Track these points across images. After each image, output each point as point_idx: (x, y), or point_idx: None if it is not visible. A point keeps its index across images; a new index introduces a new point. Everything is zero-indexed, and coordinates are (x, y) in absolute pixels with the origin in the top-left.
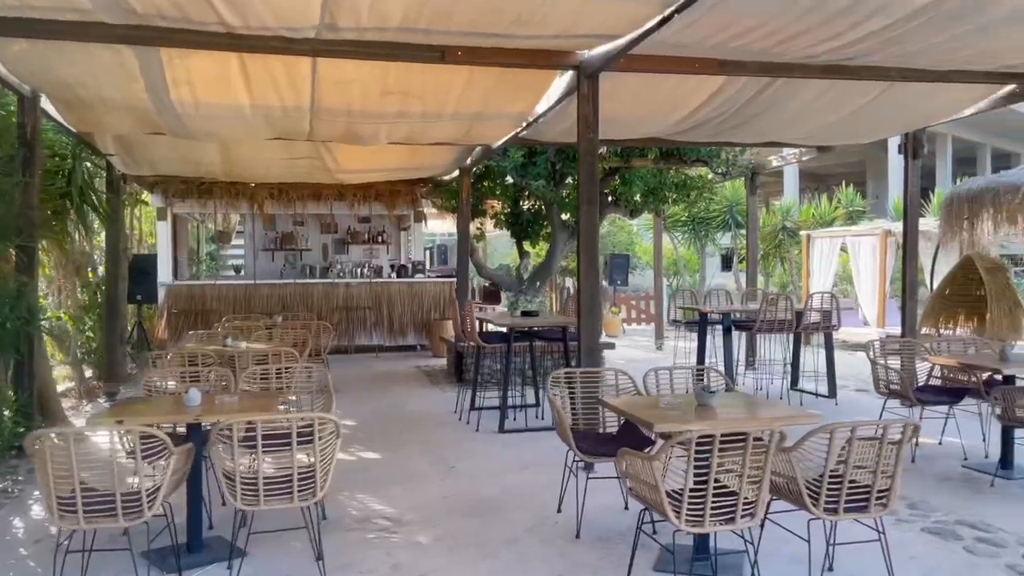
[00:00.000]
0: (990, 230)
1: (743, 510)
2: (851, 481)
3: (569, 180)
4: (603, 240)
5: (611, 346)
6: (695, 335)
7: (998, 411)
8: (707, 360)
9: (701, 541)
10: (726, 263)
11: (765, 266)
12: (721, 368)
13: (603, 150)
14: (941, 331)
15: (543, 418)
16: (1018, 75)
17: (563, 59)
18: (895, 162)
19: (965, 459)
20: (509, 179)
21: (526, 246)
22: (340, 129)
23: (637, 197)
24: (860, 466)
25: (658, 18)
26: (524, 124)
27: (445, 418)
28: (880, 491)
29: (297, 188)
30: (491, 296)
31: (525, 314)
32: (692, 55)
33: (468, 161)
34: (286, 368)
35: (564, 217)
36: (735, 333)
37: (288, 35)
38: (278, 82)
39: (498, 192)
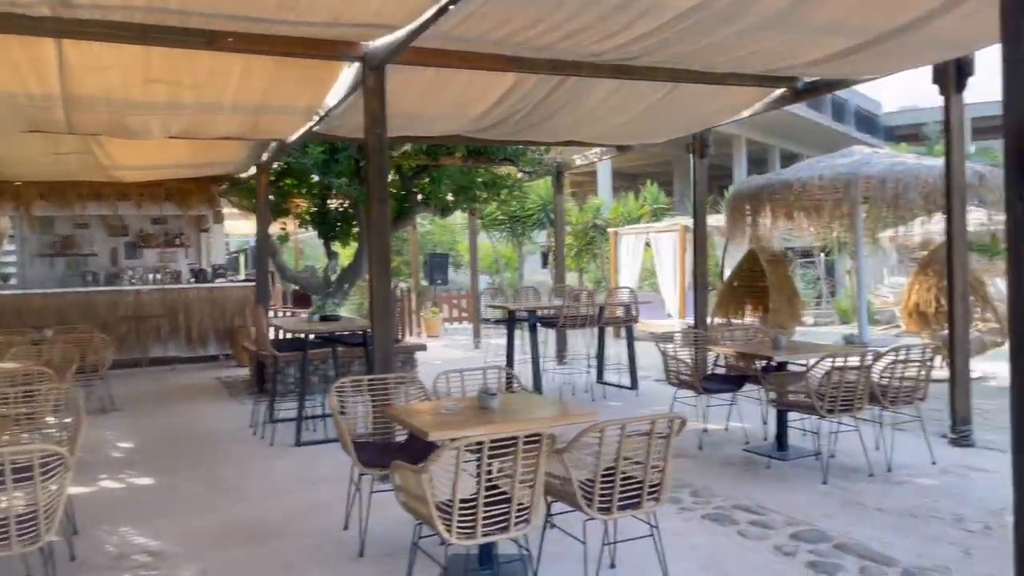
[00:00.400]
0: (769, 225)
1: (518, 516)
2: (625, 478)
3: None
4: (423, 239)
5: (423, 347)
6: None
7: (771, 396)
8: (516, 357)
9: (484, 550)
10: (545, 260)
11: (579, 262)
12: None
13: (408, 147)
14: (732, 321)
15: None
16: (786, 79)
17: (347, 50)
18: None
19: (747, 443)
20: (315, 177)
21: (335, 247)
22: (103, 120)
23: (448, 196)
24: (637, 462)
25: (434, 8)
26: (316, 118)
27: (239, 434)
28: (652, 486)
29: (75, 187)
30: (302, 300)
31: (324, 319)
32: (480, 50)
33: (264, 157)
34: (32, 391)
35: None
36: (544, 329)
37: (15, 11)
38: (19, 66)
39: (303, 190)
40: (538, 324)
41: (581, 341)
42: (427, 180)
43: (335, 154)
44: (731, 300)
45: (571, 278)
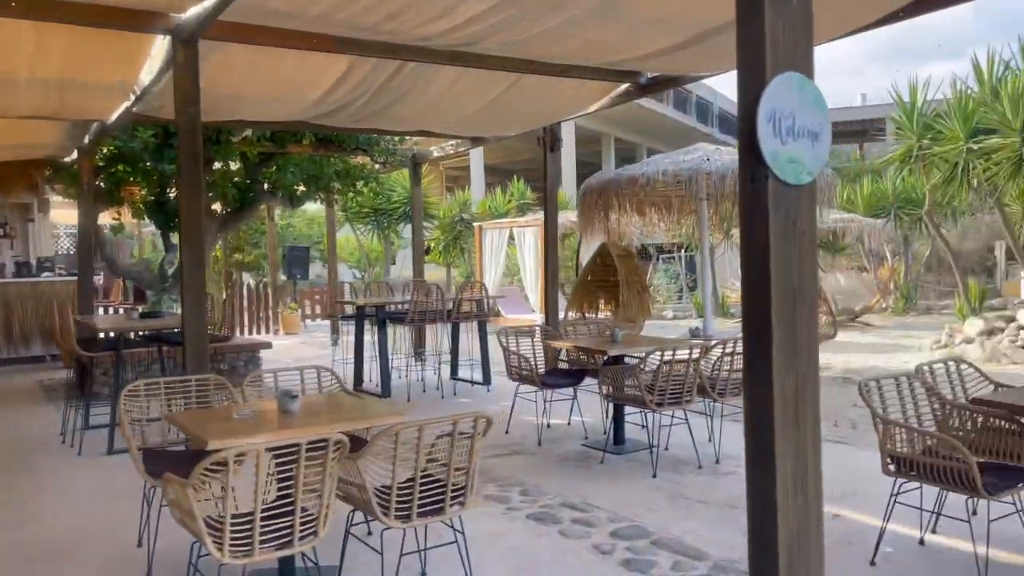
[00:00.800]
0: (619, 220)
1: (304, 528)
2: (430, 482)
3: (218, 165)
4: (285, 232)
5: (267, 345)
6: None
7: (606, 390)
8: (368, 354)
9: (285, 566)
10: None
11: (447, 257)
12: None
13: (248, 132)
14: (587, 315)
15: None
16: (629, 73)
17: (155, 21)
18: (566, 158)
19: (586, 438)
20: (150, 163)
21: (175, 238)
22: None
23: (299, 186)
24: (444, 464)
25: None
26: (133, 97)
27: (48, 442)
28: (456, 489)
29: None
30: (142, 296)
31: (146, 316)
32: (303, 28)
33: (86, 140)
34: None
35: (215, 207)
36: (405, 327)
37: None
38: None
39: (139, 177)
40: (387, 320)
41: (446, 338)
42: (274, 168)
43: (169, 139)
44: (585, 295)
45: (440, 273)
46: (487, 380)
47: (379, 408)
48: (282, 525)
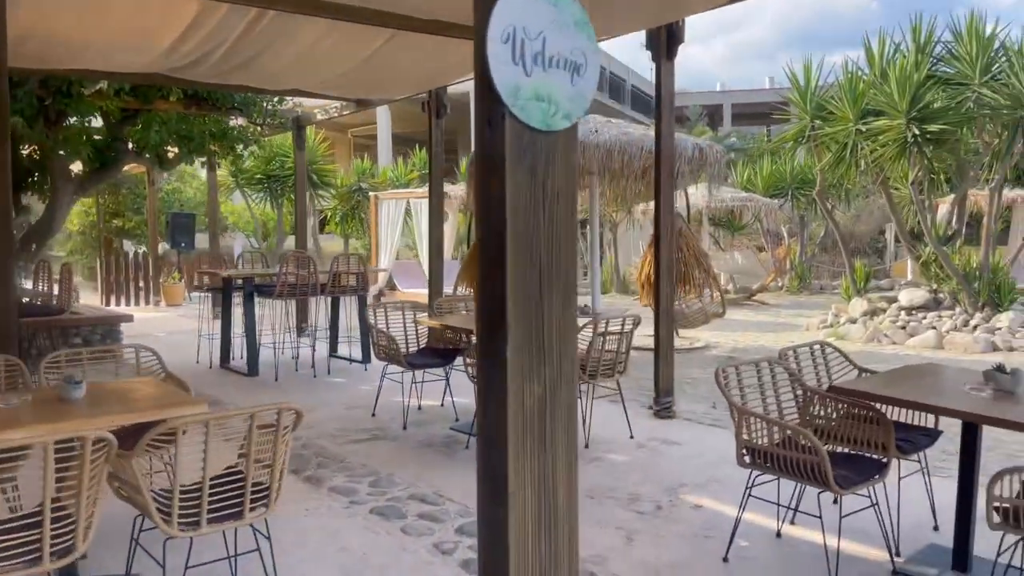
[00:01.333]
0: None
1: (58, 542)
2: (231, 481)
3: (73, 121)
4: (168, 198)
5: (128, 318)
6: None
7: (470, 371)
8: (238, 329)
9: None
10: (322, 225)
11: (345, 228)
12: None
13: (103, 85)
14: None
15: None
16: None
17: None
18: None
19: (456, 420)
20: None
21: (28, 201)
22: None
23: (171, 146)
24: (258, 460)
25: None
26: None
27: None
28: (260, 490)
29: None
30: None
31: None
32: None
33: None
34: None
35: (75, 167)
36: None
37: None
38: None
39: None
40: (255, 293)
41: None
42: (139, 127)
43: (13, 89)
44: (473, 271)
45: (338, 244)
46: (366, 358)
47: (177, 397)
48: (29, 539)
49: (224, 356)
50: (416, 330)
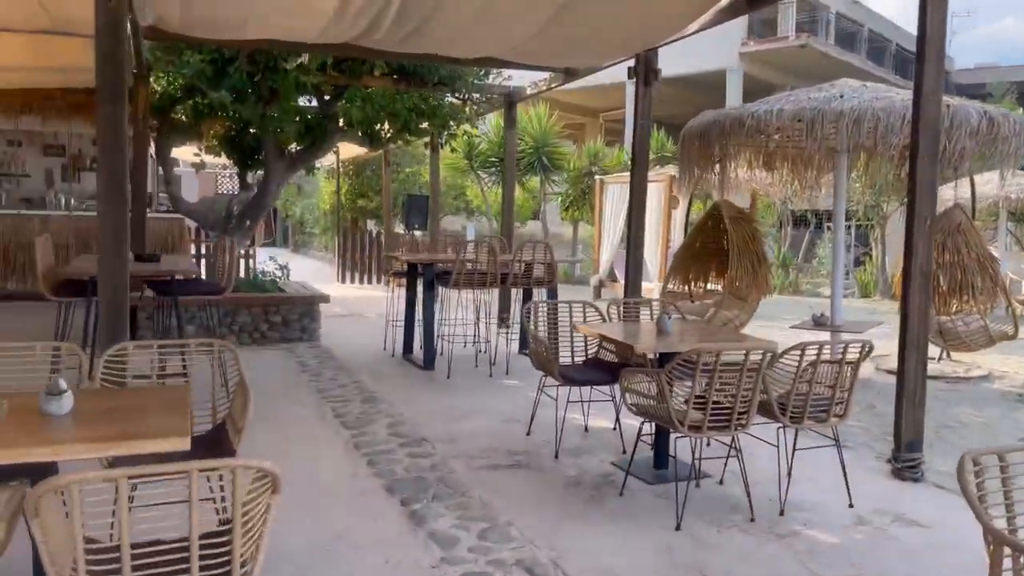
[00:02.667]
0: (734, 173)
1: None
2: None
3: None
4: (409, 179)
5: (325, 298)
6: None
7: (630, 399)
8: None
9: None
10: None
11: (573, 214)
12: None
13: (304, 59)
14: (693, 288)
15: None
16: None
17: None
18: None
19: (623, 453)
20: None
21: (252, 177)
22: None
23: (378, 124)
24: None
25: None
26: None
27: None
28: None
29: None
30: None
31: (140, 259)
32: None
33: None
34: None
35: (293, 147)
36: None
37: None
38: None
39: (222, 113)
40: (434, 280)
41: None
42: (344, 103)
43: (226, 65)
44: (690, 263)
45: (566, 232)
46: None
47: (161, 426)
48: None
49: (407, 345)
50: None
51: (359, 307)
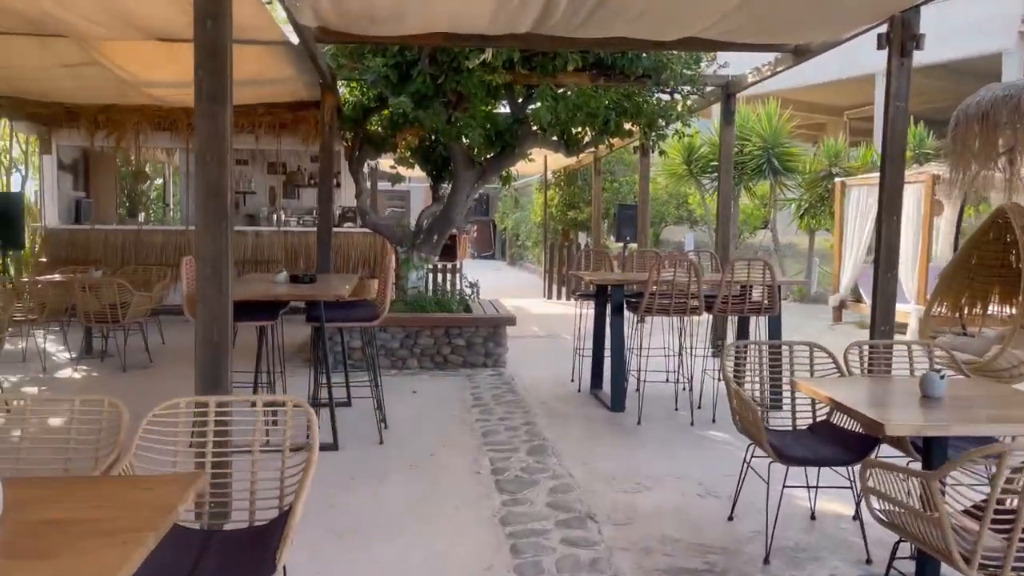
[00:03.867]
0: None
1: None
2: None
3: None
4: (623, 188)
5: (510, 321)
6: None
7: (877, 503)
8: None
9: None
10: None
11: (808, 223)
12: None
13: (487, 55)
14: (967, 315)
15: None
16: None
17: None
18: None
19: (867, 561)
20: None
21: (443, 190)
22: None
23: (579, 128)
24: None
25: None
26: None
27: None
28: None
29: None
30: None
31: (296, 280)
32: None
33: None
34: None
35: (476, 155)
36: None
37: None
38: None
39: (409, 121)
40: (623, 305)
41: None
42: (537, 104)
43: (409, 69)
44: (963, 284)
45: (800, 242)
46: (775, 403)
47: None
48: None
49: (595, 378)
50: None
51: (558, 326)
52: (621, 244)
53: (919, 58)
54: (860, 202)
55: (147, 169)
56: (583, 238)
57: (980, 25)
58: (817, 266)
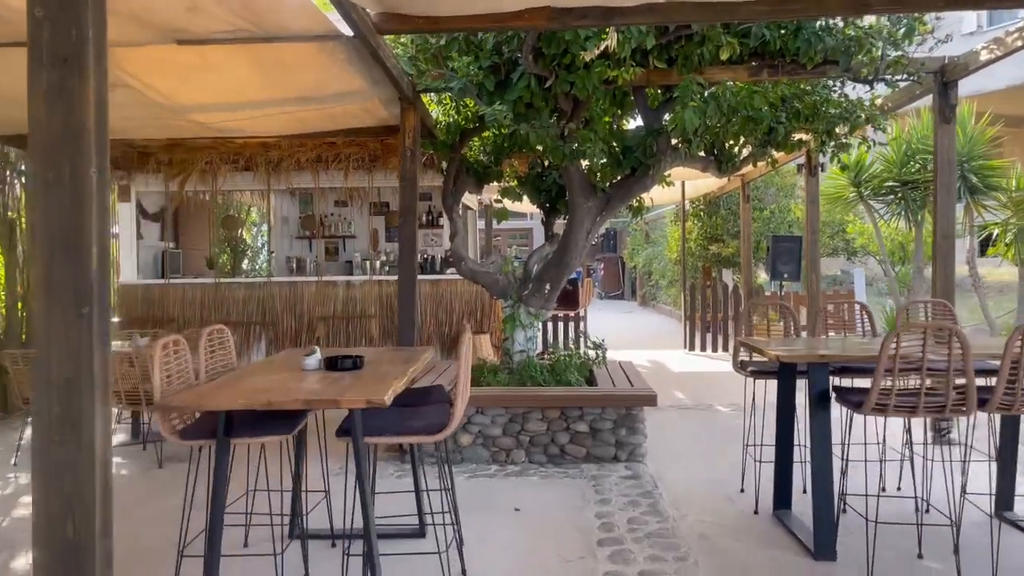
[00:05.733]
0: None
1: None
2: None
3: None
4: (775, 216)
5: (651, 400)
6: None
7: None
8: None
9: None
10: (984, 246)
11: (1020, 250)
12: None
13: (610, 42)
14: None
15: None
16: None
17: None
18: None
19: None
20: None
21: (557, 228)
22: None
23: (732, 139)
24: None
25: None
26: None
27: None
28: None
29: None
30: (564, 298)
31: (332, 366)
32: None
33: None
34: None
35: (598, 179)
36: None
37: None
38: None
39: (512, 140)
40: (827, 392)
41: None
42: (677, 107)
43: (509, 72)
44: None
45: (1011, 275)
46: None
47: None
48: None
49: (779, 494)
50: None
51: (708, 392)
52: (777, 283)
53: None
54: None
55: (235, 213)
56: (728, 276)
57: None
58: None
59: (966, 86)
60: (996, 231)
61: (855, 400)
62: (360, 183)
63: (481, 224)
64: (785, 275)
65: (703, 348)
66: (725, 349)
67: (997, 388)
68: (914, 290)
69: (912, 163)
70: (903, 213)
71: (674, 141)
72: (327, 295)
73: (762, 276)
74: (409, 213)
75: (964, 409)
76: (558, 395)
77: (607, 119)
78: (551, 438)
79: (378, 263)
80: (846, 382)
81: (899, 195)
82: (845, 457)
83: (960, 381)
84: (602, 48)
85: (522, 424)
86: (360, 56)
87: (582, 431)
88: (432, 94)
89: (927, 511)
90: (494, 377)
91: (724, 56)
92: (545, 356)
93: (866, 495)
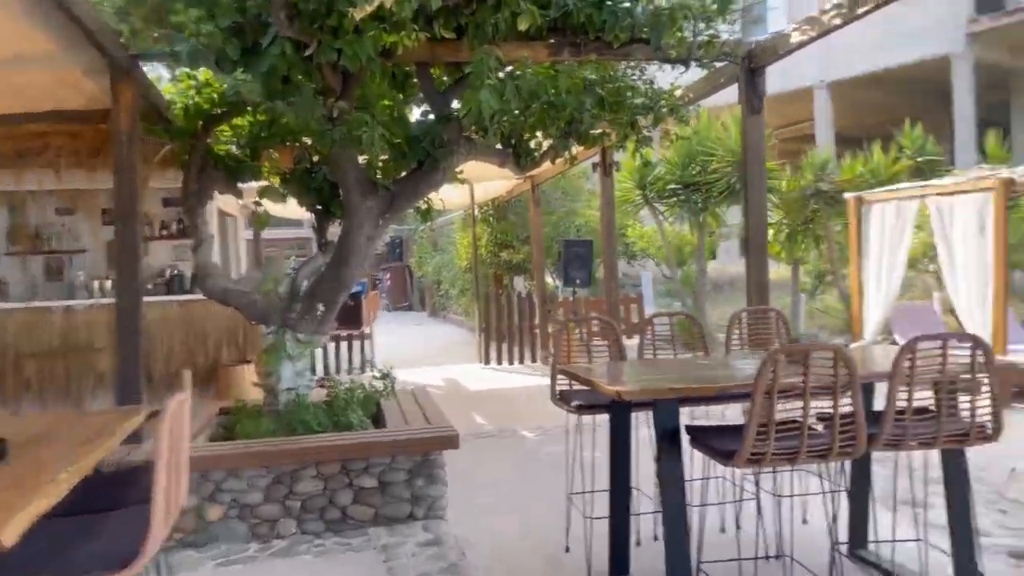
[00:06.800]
0: None
1: None
2: None
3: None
4: (564, 221)
5: (452, 441)
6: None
7: None
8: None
9: None
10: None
11: (792, 249)
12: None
13: (402, 8)
14: None
15: None
16: None
17: None
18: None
19: None
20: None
21: (332, 235)
22: None
23: (528, 131)
24: None
25: None
26: None
27: None
28: None
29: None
30: (348, 315)
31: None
32: None
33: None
34: None
35: (379, 175)
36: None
37: None
38: None
39: (279, 133)
40: (680, 434)
41: None
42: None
43: (257, 36)
44: None
45: (781, 274)
46: (967, 569)
47: None
48: None
49: (616, 556)
50: None
51: (511, 414)
52: (570, 290)
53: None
54: (886, 222)
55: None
56: (520, 283)
57: (926, 29)
58: (804, 303)
59: (731, 94)
60: (770, 232)
61: (722, 450)
62: (81, 184)
63: (250, 234)
64: (578, 281)
65: (499, 361)
66: (521, 361)
67: (886, 420)
68: (698, 291)
69: (693, 165)
70: (687, 216)
71: (465, 132)
72: (40, 324)
73: (551, 282)
74: (128, 215)
75: (851, 452)
76: (336, 444)
77: (387, 101)
78: (329, 499)
79: (109, 283)
80: (697, 412)
81: (682, 197)
82: (701, 515)
83: (847, 412)
84: (375, 4)
85: (291, 485)
86: (39, 3)
87: (369, 487)
88: (165, 70)
89: (777, 557)
90: (255, 425)
91: (523, 26)
92: (324, 385)
93: (727, 560)
